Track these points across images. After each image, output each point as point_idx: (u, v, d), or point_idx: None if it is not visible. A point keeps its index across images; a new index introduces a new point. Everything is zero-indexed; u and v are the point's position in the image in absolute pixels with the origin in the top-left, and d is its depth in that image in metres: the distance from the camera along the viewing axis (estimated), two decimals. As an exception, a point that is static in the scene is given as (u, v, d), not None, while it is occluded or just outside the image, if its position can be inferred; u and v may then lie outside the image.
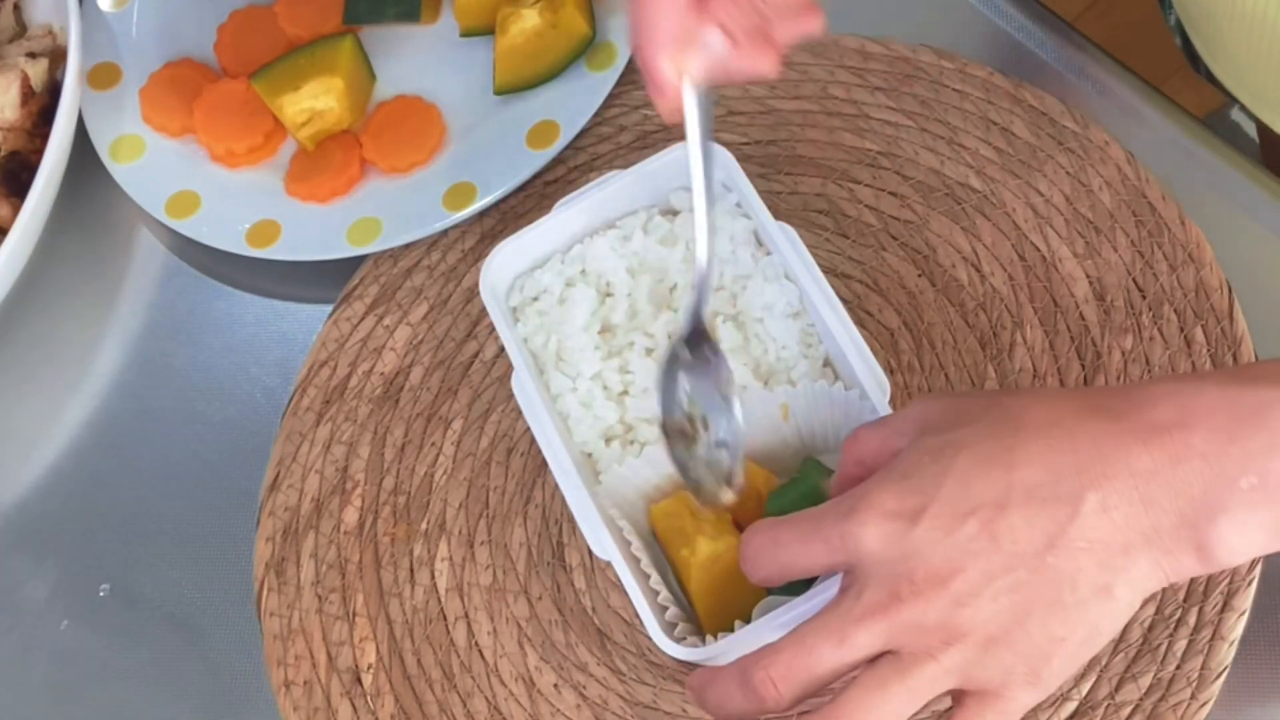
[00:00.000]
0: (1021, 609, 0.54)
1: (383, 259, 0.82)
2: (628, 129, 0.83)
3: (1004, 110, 0.78)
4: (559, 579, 0.73)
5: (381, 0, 0.87)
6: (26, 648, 0.78)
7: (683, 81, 0.64)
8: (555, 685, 0.71)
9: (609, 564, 0.68)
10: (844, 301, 0.70)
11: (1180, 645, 0.66)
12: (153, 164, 0.85)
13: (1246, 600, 0.67)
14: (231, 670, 0.76)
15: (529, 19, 0.83)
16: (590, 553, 0.72)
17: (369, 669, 0.73)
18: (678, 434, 0.66)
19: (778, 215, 0.71)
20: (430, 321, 0.80)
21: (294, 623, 0.74)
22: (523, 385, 0.70)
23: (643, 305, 0.71)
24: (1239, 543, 0.54)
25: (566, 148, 0.81)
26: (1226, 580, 0.67)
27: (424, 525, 0.75)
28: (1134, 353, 0.72)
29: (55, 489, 0.82)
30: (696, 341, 0.67)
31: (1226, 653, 0.66)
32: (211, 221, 0.83)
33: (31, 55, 0.86)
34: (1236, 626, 0.66)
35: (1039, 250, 0.75)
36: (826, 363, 0.70)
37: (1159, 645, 0.67)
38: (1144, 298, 0.73)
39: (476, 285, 0.72)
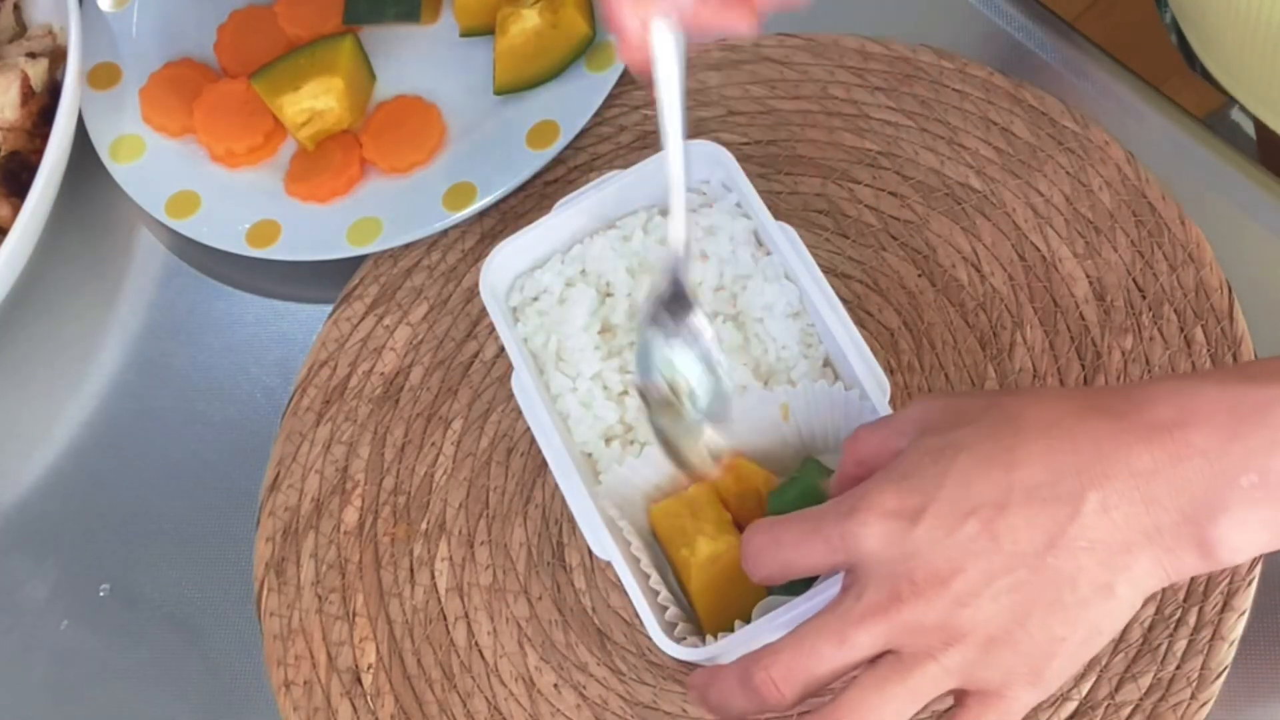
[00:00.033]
0: (1022, 609, 0.54)
1: (383, 259, 0.82)
2: (628, 129, 0.83)
3: (1004, 110, 0.78)
4: (559, 579, 0.73)
5: (381, 0, 0.87)
6: (26, 648, 0.78)
7: (649, 32, 0.62)
8: (555, 685, 0.71)
9: (609, 564, 0.68)
10: (844, 301, 0.70)
11: (1180, 645, 0.66)
12: (153, 164, 0.85)
13: (1246, 600, 0.67)
14: (231, 670, 0.76)
15: (529, 19, 0.83)
16: (590, 553, 0.72)
17: (369, 669, 0.73)
18: (660, 403, 0.65)
19: (778, 215, 0.71)
20: (430, 321, 0.80)
21: (294, 623, 0.74)
22: (523, 385, 0.70)
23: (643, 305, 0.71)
24: (1240, 541, 0.54)
25: (566, 148, 0.81)
26: (1226, 580, 0.67)
27: (424, 525, 0.75)
28: (1134, 353, 0.72)
29: (55, 489, 0.82)
30: (677, 306, 0.66)
31: (1226, 653, 0.66)
32: (211, 221, 0.83)
33: (31, 55, 0.86)
34: (1236, 626, 0.66)
35: (1039, 250, 0.75)
36: (826, 363, 0.70)
37: (1159, 645, 0.67)
38: (1144, 298, 0.73)
39: (476, 285, 0.72)
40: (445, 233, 0.82)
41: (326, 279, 0.83)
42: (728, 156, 0.71)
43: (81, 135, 0.86)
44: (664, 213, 0.73)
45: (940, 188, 0.77)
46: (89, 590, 0.78)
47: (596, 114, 0.82)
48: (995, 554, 0.54)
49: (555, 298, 0.71)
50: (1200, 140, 0.78)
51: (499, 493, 0.75)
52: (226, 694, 0.75)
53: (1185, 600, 0.67)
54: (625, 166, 0.73)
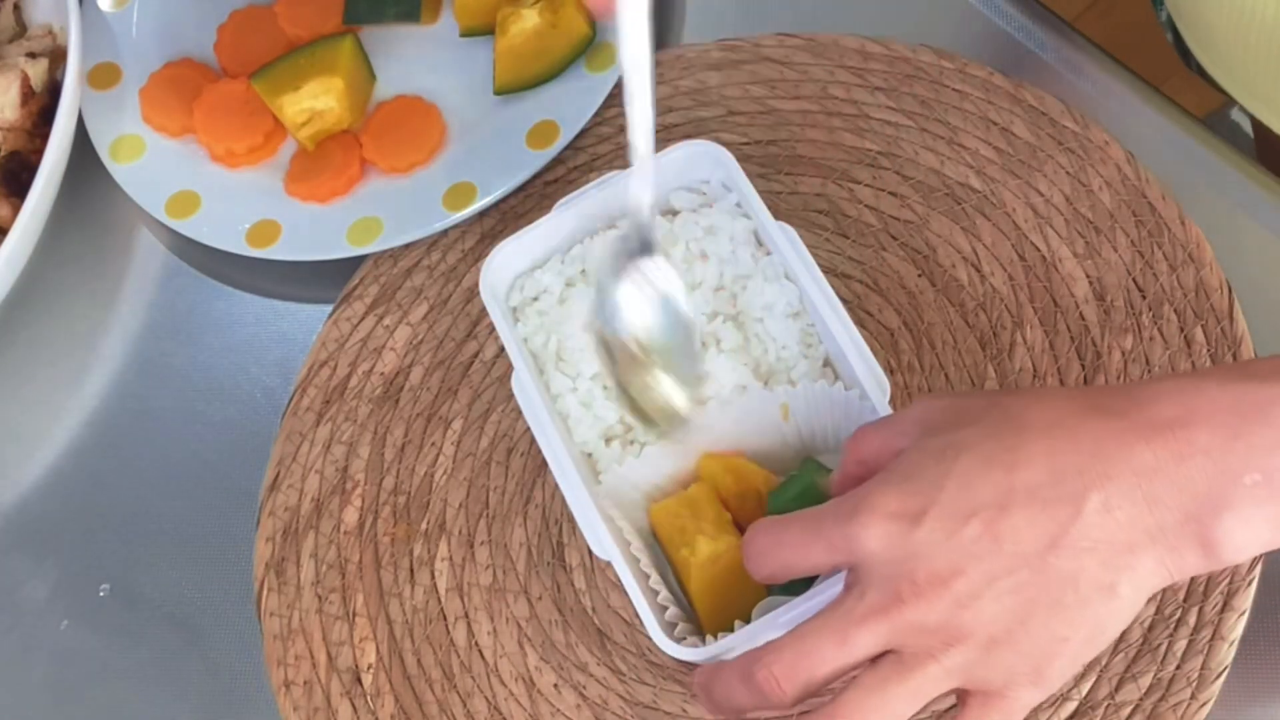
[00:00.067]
0: (1024, 609, 0.54)
1: (383, 259, 0.82)
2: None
3: (1004, 110, 0.78)
4: (559, 579, 0.73)
5: (381, 0, 0.87)
6: (26, 648, 0.78)
7: None
8: (555, 685, 0.71)
9: (609, 564, 0.68)
10: (844, 301, 0.70)
11: (1180, 645, 0.66)
12: (153, 164, 0.85)
13: (1246, 600, 0.67)
14: (231, 670, 0.76)
15: (529, 19, 0.83)
16: (590, 553, 0.72)
17: (369, 669, 0.73)
18: (624, 356, 0.64)
19: (778, 215, 0.71)
20: (430, 321, 0.80)
21: (294, 623, 0.74)
22: (523, 385, 0.70)
23: (643, 305, 0.71)
24: (1244, 539, 0.54)
25: (566, 148, 0.81)
26: (1226, 580, 0.67)
27: (424, 525, 0.75)
28: (1134, 353, 0.72)
29: (55, 489, 0.82)
30: (644, 255, 0.63)
31: (1226, 653, 0.66)
32: (211, 221, 0.83)
33: (31, 55, 0.86)
34: (1236, 626, 0.66)
35: (1039, 250, 0.75)
36: (826, 363, 0.70)
37: (1159, 645, 0.67)
38: (1144, 298, 0.73)
39: (476, 285, 0.72)
40: (445, 233, 0.82)
41: (326, 279, 0.83)
42: (728, 156, 0.71)
43: (81, 135, 0.86)
44: (664, 212, 0.73)
45: (940, 188, 0.77)
46: (89, 590, 0.78)
47: (596, 114, 0.82)
48: (997, 555, 0.54)
49: (555, 298, 0.71)
50: (1200, 140, 0.78)
51: (499, 493, 0.75)
52: (226, 694, 0.75)
53: (1185, 600, 0.67)
54: (625, 166, 0.73)
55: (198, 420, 0.82)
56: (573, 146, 0.82)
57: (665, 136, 0.81)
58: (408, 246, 0.82)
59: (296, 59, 0.84)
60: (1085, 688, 0.66)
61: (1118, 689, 0.66)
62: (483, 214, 0.82)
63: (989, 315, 0.74)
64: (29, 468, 0.83)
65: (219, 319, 0.84)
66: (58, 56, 0.87)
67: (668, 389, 0.65)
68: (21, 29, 0.90)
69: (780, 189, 0.79)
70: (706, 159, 0.72)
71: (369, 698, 0.72)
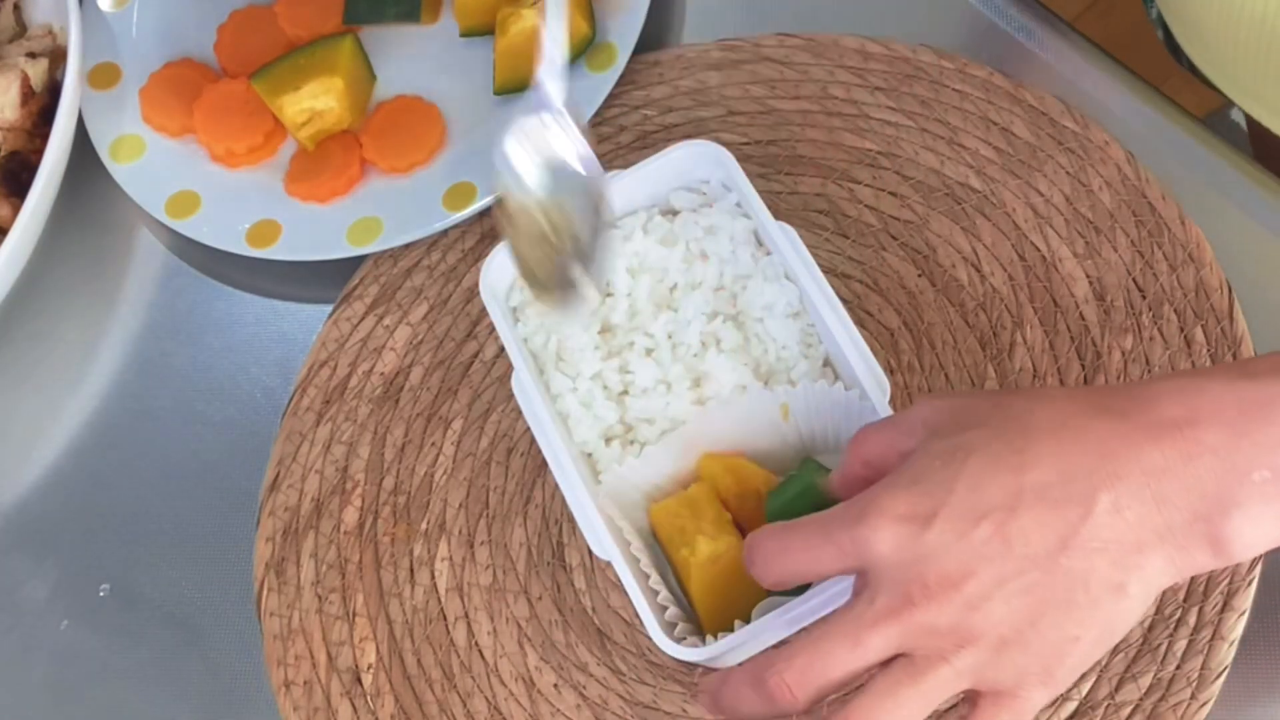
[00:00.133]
0: (1034, 610, 0.54)
1: (383, 259, 0.82)
2: (628, 129, 0.83)
3: (1004, 110, 0.78)
4: (559, 579, 0.73)
5: (381, 0, 0.87)
6: (26, 648, 0.78)
7: None
8: (555, 685, 0.71)
9: (609, 564, 0.68)
10: (844, 301, 0.70)
11: (1180, 645, 0.66)
12: (153, 164, 0.85)
13: (1246, 600, 0.67)
14: (231, 670, 0.76)
15: (529, 19, 0.82)
16: (590, 553, 0.72)
17: (369, 669, 0.73)
18: (521, 219, 0.61)
19: (778, 215, 0.71)
20: (430, 321, 0.80)
21: (294, 623, 0.74)
22: (523, 385, 0.70)
23: (643, 305, 0.71)
24: (1254, 536, 0.54)
25: (566, 148, 0.81)
26: (1226, 580, 0.67)
27: (424, 525, 0.75)
28: (1134, 353, 0.72)
29: (55, 489, 0.82)
30: (552, 118, 0.62)
31: (1226, 653, 0.66)
32: (211, 221, 0.83)
33: (31, 55, 0.86)
34: (1236, 626, 0.66)
35: (1039, 250, 0.75)
36: (826, 363, 0.70)
37: (1159, 645, 0.67)
38: (1144, 298, 0.73)
39: (476, 285, 0.72)
40: (445, 233, 0.82)
41: (326, 279, 0.83)
42: (728, 156, 0.71)
43: (81, 135, 0.86)
44: (664, 212, 0.73)
45: (940, 188, 0.77)
46: (89, 590, 0.78)
47: (596, 114, 0.82)
48: (1007, 556, 0.54)
49: (555, 298, 0.71)
50: (1200, 140, 0.78)
51: (499, 493, 0.75)
52: (226, 694, 0.75)
53: (1185, 600, 0.67)
54: (625, 166, 0.73)
55: (198, 420, 0.82)
56: (573, 146, 0.82)
57: (665, 137, 0.81)
58: (408, 246, 0.82)
59: (296, 59, 0.84)
60: (1085, 688, 0.66)
61: (1118, 689, 0.66)
62: (483, 214, 0.82)
63: (989, 315, 0.74)
64: (29, 468, 0.82)
65: (219, 319, 0.84)
66: (58, 56, 0.87)
67: (560, 251, 0.63)
68: (21, 29, 0.90)
69: (780, 189, 0.79)
70: (706, 159, 0.72)
71: (369, 698, 0.72)
